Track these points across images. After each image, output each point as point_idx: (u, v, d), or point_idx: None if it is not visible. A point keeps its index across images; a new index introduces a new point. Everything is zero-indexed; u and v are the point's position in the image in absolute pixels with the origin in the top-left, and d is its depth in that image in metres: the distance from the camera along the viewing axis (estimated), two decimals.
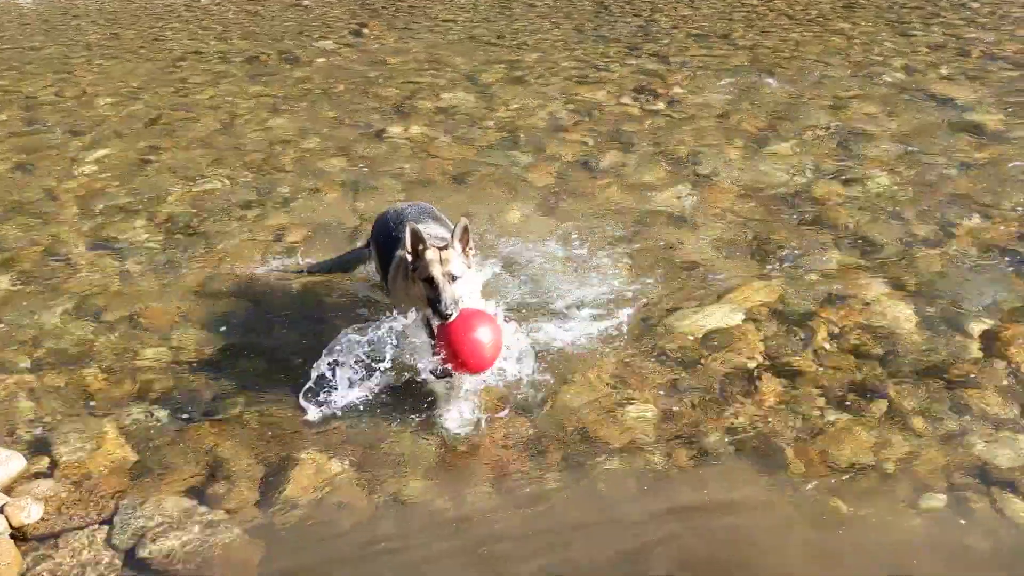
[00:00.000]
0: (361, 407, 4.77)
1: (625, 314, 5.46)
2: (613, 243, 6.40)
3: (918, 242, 6.20)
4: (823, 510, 4.05)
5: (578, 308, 5.53)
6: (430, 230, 5.04)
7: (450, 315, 4.49)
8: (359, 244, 5.87)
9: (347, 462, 4.45)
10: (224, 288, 6.06)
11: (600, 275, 5.96)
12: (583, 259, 6.17)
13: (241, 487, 4.32)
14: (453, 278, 4.57)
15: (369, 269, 5.83)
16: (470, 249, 4.76)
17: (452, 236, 4.70)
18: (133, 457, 4.56)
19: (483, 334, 4.53)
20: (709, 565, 3.85)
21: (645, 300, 5.65)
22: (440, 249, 4.66)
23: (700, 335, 5.31)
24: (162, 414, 4.86)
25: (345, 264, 5.98)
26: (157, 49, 11.82)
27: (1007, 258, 5.95)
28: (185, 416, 4.83)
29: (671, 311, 5.54)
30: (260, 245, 6.58)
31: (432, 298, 4.55)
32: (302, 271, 5.93)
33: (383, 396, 4.84)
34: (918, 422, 4.56)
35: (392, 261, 5.12)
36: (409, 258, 4.70)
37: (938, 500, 4.09)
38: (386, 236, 5.36)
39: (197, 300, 5.94)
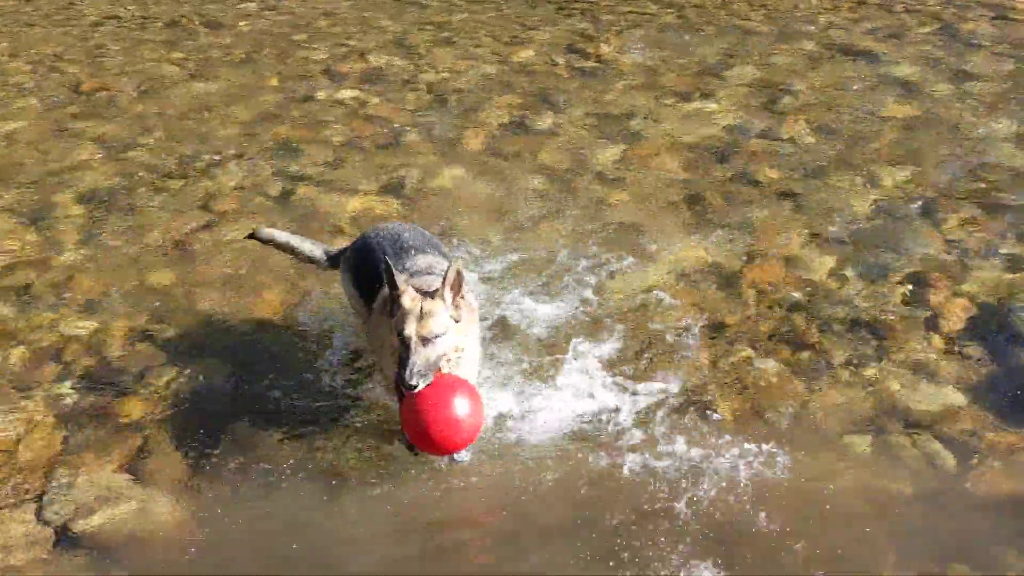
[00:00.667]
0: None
1: (561, 276, 5.51)
2: (546, 203, 6.41)
3: (843, 194, 6.33)
4: (758, 457, 4.18)
5: (515, 273, 5.56)
6: (422, 262, 4.33)
7: (413, 386, 3.74)
8: (332, 248, 5.05)
9: (279, 433, 4.43)
10: (151, 260, 5.93)
11: (535, 237, 5.98)
12: (518, 223, 6.18)
13: (173, 461, 4.28)
14: (428, 340, 3.79)
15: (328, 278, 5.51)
16: (461, 298, 3.97)
17: (443, 282, 3.87)
18: (62, 433, 4.49)
19: (455, 410, 3.80)
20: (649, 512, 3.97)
21: (584, 262, 5.69)
22: (424, 297, 3.87)
23: (636, 295, 5.37)
24: (90, 389, 4.78)
25: (301, 255, 5.12)
26: (73, 15, 11.39)
27: (928, 209, 6.11)
28: (114, 391, 4.74)
29: (608, 272, 5.59)
30: (187, 215, 6.44)
31: (401, 359, 3.79)
32: (252, 235, 5.32)
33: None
34: (843, 371, 4.70)
35: (375, 297, 4.31)
36: (387, 286, 3.97)
37: (863, 443, 4.25)
38: (369, 264, 4.46)
39: (123, 272, 5.79)
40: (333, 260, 4.93)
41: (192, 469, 4.25)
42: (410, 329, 3.78)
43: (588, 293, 5.36)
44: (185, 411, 4.59)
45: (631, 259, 5.70)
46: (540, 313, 5.17)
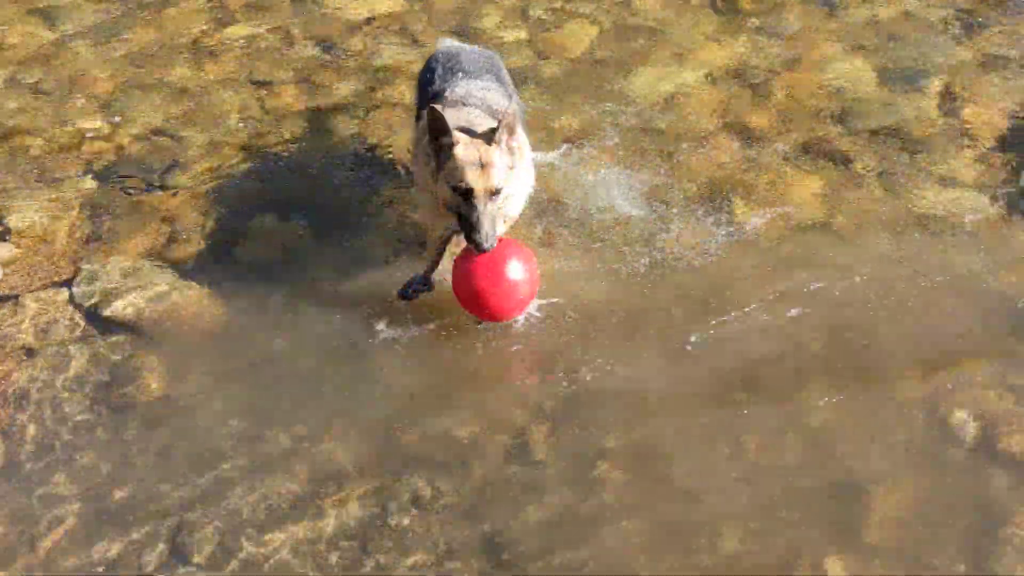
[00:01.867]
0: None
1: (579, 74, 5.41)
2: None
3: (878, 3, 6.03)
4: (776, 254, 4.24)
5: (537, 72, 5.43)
6: (476, 98, 3.86)
7: (487, 247, 3.47)
8: None
9: (304, 223, 4.48)
10: (170, 55, 5.80)
11: (547, 42, 5.79)
12: (542, 20, 5.96)
13: (200, 247, 4.36)
14: (494, 193, 3.50)
15: None
16: (514, 143, 3.62)
17: (499, 126, 3.51)
18: (89, 224, 4.54)
19: (519, 275, 3.63)
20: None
21: (602, 60, 5.54)
22: (479, 142, 3.51)
23: (659, 96, 5.26)
24: (114, 183, 4.80)
25: None
26: None
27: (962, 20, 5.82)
28: (137, 187, 4.77)
29: (628, 71, 5.46)
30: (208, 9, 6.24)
31: (466, 219, 3.49)
32: None
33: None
34: (872, 178, 4.64)
35: (419, 118, 3.95)
36: (431, 146, 3.57)
37: (886, 244, 4.26)
38: (424, 80, 4.19)
39: (141, 68, 5.69)
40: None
41: (219, 256, 4.32)
42: (475, 182, 3.45)
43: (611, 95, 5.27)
44: (211, 205, 4.62)
45: (656, 59, 5.55)
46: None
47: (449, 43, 4.50)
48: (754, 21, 5.84)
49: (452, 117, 3.57)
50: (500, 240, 3.57)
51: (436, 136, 3.50)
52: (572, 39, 5.79)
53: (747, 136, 4.95)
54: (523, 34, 5.82)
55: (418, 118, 4.07)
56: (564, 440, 3.53)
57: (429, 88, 4.08)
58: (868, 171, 4.68)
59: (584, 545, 3.20)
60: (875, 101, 5.15)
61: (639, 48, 5.67)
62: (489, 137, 3.52)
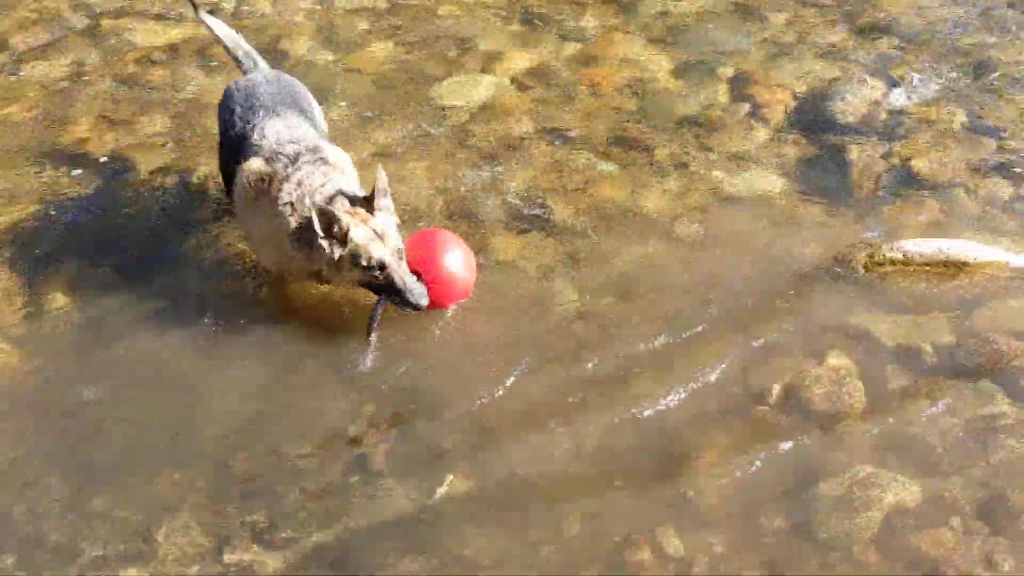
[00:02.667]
0: None
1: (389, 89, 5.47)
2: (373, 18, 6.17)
3: None
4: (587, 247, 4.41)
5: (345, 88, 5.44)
6: (292, 146, 3.90)
7: (424, 304, 3.68)
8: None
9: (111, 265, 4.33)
10: None
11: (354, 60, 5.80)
12: (345, 40, 5.95)
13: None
14: (400, 252, 3.69)
15: None
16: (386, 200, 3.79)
17: (374, 192, 3.69)
18: None
19: (460, 270, 3.89)
20: None
21: (411, 73, 5.60)
22: (364, 214, 3.67)
23: (467, 106, 5.35)
24: None
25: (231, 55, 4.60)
26: None
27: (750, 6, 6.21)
28: None
29: (435, 81, 5.54)
30: None
31: (389, 288, 3.67)
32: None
33: None
34: (671, 166, 4.89)
35: (234, 172, 3.98)
36: (320, 234, 3.61)
37: (690, 228, 4.50)
38: (225, 121, 4.17)
39: None
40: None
41: (24, 312, 4.11)
42: (383, 253, 3.61)
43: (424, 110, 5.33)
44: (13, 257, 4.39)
45: (462, 68, 5.65)
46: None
47: (248, 78, 4.38)
48: (555, 24, 6.03)
49: (293, 191, 3.74)
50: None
51: (327, 230, 3.58)
52: (379, 54, 5.81)
53: (557, 135, 5.11)
54: (330, 55, 5.79)
55: (227, 162, 4.08)
56: (400, 447, 3.55)
57: (231, 131, 4.07)
58: (669, 159, 4.93)
59: (432, 551, 3.23)
60: (673, 92, 5.43)
61: (447, 59, 5.75)
62: (368, 205, 3.68)
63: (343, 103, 5.35)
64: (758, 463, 3.45)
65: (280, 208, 3.75)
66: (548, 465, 3.48)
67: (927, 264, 4.17)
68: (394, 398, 3.72)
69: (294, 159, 3.83)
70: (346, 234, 3.59)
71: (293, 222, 3.73)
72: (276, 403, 3.73)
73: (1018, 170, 4.75)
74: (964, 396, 3.68)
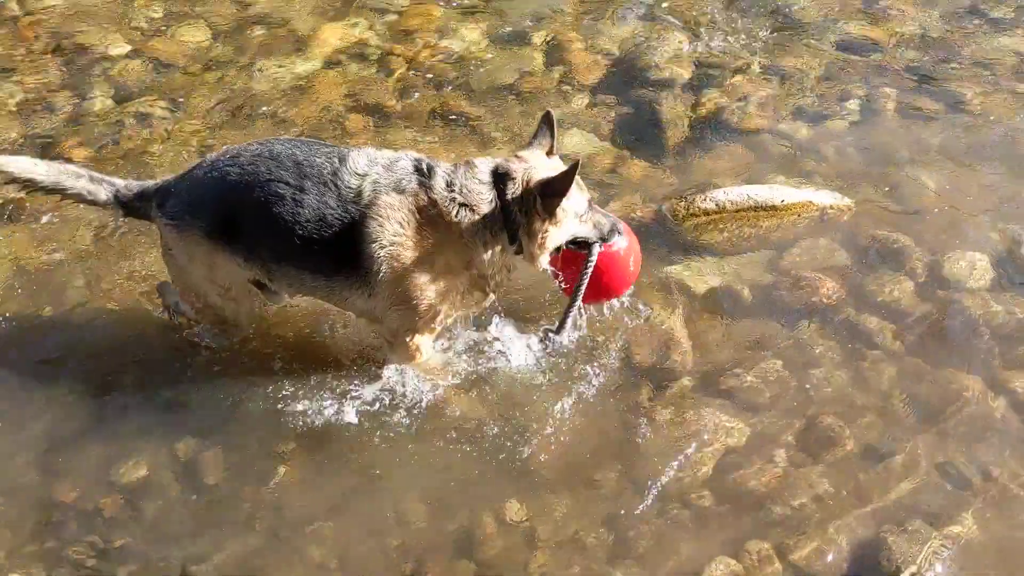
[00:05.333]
0: None
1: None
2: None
3: None
4: None
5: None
6: (364, 160, 3.40)
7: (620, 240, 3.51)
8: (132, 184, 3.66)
9: None
10: None
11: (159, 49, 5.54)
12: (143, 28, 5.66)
13: None
14: None
15: None
16: None
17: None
18: None
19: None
20: None
21: (222, 58, 5.41)
22: None
23: (285, 87, 5.20)
24: None
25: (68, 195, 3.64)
26: None
27: None
28: None
29: (250, 66, 5.35)
30: None
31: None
32: None
33: None
34: (496, 132, 4.90)
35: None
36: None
37: None
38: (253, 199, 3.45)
39: None
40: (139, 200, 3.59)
41: None
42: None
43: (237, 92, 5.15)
44: None
45: (277, 50, 5.49)
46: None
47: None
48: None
49: (452, 195, 3.32)
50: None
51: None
52: (187, 41, 5.55)
53: (377, 113, 5.03)
54: (128, 46, 5.49)
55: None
56: (234, 457, 3.47)
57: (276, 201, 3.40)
58: (492, 127, 4.94)
59: (286, 562, 3.18)
60: (490, 62, 5.43)
61: (258, 42, 5.56)
62: None
63: (150, 94, 5.11)
64: (588, 422, 3.54)
65: (455, 219, 3.30)
66: (391, 458, 3.46)
67: (739, 211, 4.34)
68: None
69: (416, 170, 3.37)
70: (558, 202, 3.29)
71: (474, 216, 3.31)
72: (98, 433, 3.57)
73: (814, 112, 4.99)
74: (781, 334, 3.87)
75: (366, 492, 3.36)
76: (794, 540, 3.19)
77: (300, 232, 3.29)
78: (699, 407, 3.61)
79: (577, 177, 3.30)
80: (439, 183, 3.31)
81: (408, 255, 3.30)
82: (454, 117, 5.02)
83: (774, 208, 4.36)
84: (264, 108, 5.05)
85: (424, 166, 3.36)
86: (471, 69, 5.37)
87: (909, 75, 5.21)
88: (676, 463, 3.41)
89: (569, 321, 3.48)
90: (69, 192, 3.55)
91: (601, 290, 3.52)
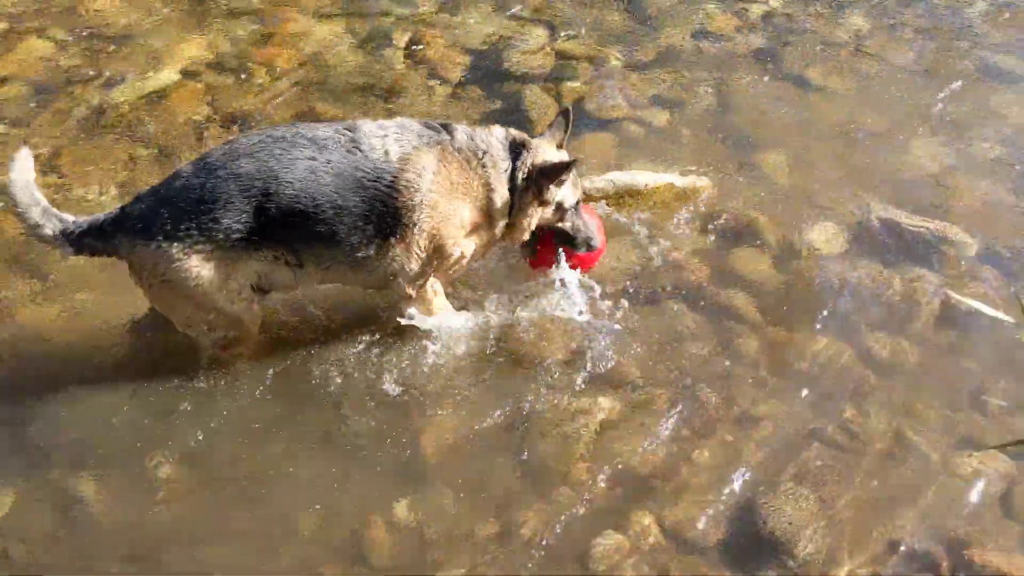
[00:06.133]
0: None
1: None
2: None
3: None
4: None
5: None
6: (378, 129, 3.53)
7: (597, 244, 3.92)
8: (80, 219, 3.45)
9: None
10: None
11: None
12: None
13: None
14: None
15: None
16: None
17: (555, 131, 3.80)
18: None
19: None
20: None
21: (71, 72, 5.20)
22: None
23: (141, 101, 5.05)
24: None
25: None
26: None
27: None
28: None
29: (108, 85, 5.17)
30: None
31: (572, 231, 3.83)
32: None
33: None
34: None
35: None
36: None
37: None
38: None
39: None
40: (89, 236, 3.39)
41: None
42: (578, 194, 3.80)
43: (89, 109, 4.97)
44: None
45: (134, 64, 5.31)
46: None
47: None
48: (221, 6, 5.78)
49: (475, 151, 3.58)
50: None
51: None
52: (28, 57, 5.32)
53: (239, 121, 4.95)
54: None
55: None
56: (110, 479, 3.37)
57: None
58: None
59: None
60: (352, 62, 5.39)
61: (110, 55, 5.37)
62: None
63: None
64: (482, 413, 3.60)
65: (481, 169, 3.56)
66: (275, 470, 3.43)
67: (606, 197, 4.45)
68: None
69: (430, 127, 3.57)
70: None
71: (496, 172, 3.58)
72: None
73: (671, 98, 5.16)
74: (653, 313, 3.99)
75: (249, 507, 3.31)
76: (674, 508, 3.32)
77: (339, 202, 3.35)
78: (576, 389, 3.70)
79: (575, 176, 3.67)
80: (461, 137, 3.54)
81: (444, 202, 3.46)
82: (318, 117, 4.97)
83: (638, 192, 4.49)
84: (120, 122, 4.90)
85: (437, 124, 3.57)
86: (333, 71, 5.33)
87: (758, 59, 5.45)
88: (557, 444, 3.49)
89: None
90: (21, 214, 3.35)
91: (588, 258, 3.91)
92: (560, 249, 3.82)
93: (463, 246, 3.62)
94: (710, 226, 4.37)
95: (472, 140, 3.55)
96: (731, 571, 3.16)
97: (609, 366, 3.77)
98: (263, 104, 5.07)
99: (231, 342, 3.63)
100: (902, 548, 3.18)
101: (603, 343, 3.85)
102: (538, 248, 3.87)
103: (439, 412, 3.59)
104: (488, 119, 4.98)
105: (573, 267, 3.87)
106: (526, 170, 3.59)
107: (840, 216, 4.43)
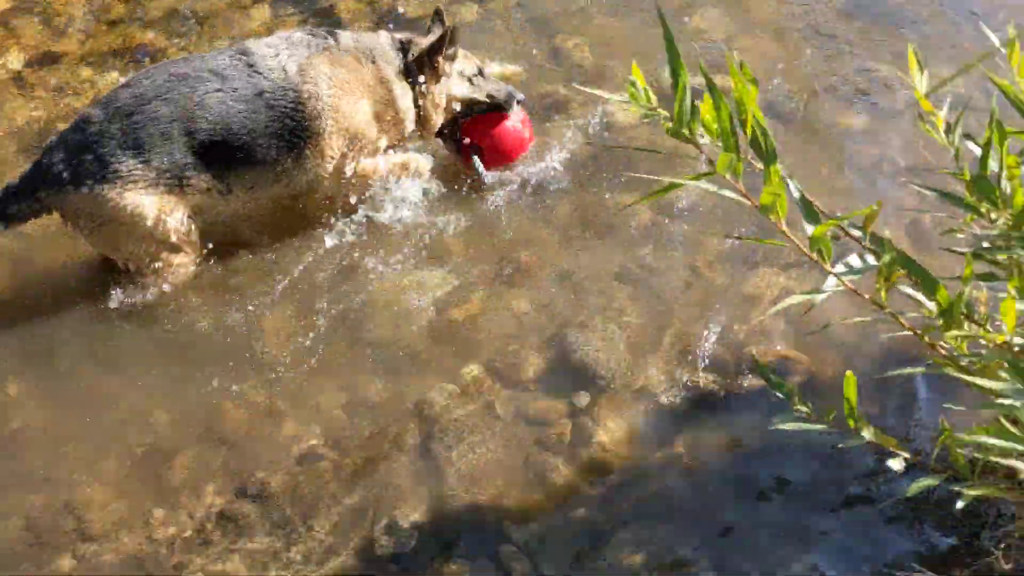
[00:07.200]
0: None
1: None
2: None
3: None
4: None
5: None
6: (269, 45, 3.91)
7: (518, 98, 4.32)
8: None
9: None
10: None
11: None
12: None
13: None
14: None
15: None
16: None
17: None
18: None
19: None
20: None
21: None
22: None
23: None
24: None
25: None
26: None
27: None
28: None
29: None
30: None
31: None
32: None
33: None
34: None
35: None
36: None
37: None
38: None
39: None
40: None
41: None
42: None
43: None
44: None
45: None
46: None
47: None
48: None
49: (365, 51, 4.00)
50: None
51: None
52: None
53: (49, 62, 4.98)
54: None
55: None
56: None
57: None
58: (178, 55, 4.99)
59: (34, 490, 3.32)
60: None
61: None
62: None
63: None
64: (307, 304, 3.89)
65: (371, 66, 3.92)
66: None
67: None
68: None
69: (314, 36, 3.90)
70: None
71: (386, 65, 3.96)
72: None
73: None
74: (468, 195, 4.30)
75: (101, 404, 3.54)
76: (503, 356, 3.69)
77: (251, 126, 3.67)
78: (411, 267, 4.01)
79: (463, 49, 4.11)
80: (346, 41, 3.90)
81: (346, 103, 3.81)
82: (138, 53, 5.04)
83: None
84: None
85: (320, 31, 3.90)
86: None
87: None
88: (393, 317, 3.81)
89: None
90: None
91: (501, 156, 4.24)
92: (475, 156, 4.20)
93: (375, 140, 3.97)
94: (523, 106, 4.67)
95: (358, 41, 3.92)
96: (550, 398, 3.57)
97: (434, 243, 4.09)
98: (78, 43, 5.08)
99: (172, 271, 3.84)
100: (697, 352, 3.63)
101: (433, 226, 4.16)
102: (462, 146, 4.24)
103: (274, 308, 3.85)
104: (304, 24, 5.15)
105: (497, 161, 4.24)
106: (417, 54, 3.98)
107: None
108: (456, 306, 3.88)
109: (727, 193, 1.98)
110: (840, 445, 2.23)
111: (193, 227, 3.80)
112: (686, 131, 1.88)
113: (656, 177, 3.52)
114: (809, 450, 3.28)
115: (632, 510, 3.24)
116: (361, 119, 3.90)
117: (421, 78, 4.00)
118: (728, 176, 1.88)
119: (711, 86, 1.89)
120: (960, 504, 2.09)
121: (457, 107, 4.18)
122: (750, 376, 3.51)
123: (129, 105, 3.57)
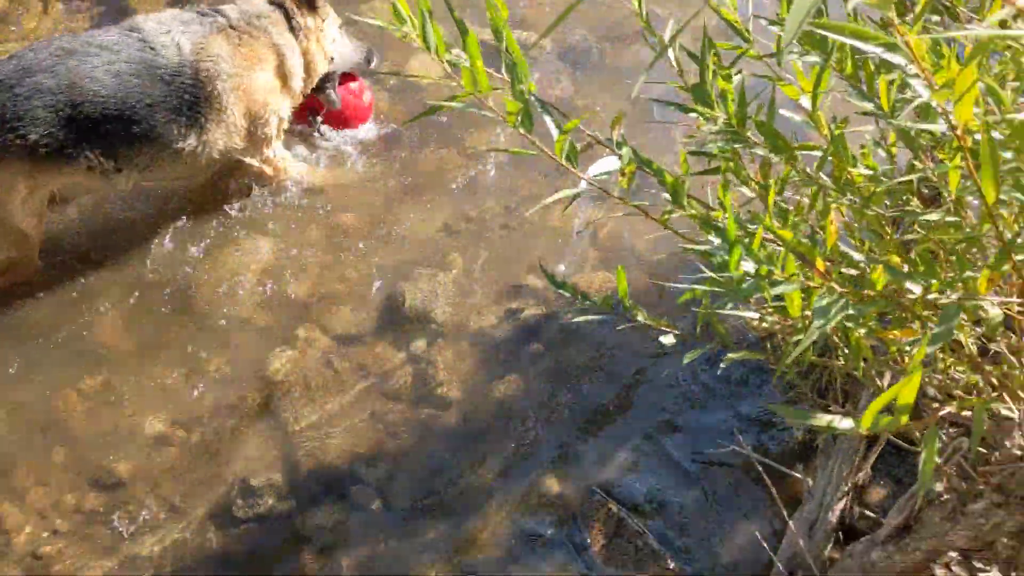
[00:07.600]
0: None
1: None
2: None
3: None
4: None
5: None
6: (159, 23, 3.81)
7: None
8: None
9: None
10: None
11: None
12: None
13: None
14: None
15: None
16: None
17: None
18: None
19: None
20: None
21: None
22: None
23: None
24: None
25: None
26: None
27: None
28: None
29: None
30: None
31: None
32: None
33: None
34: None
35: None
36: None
37: None
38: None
39: None
40: None
41: None
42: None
43: None
44: None
45: None
46: None
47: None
48: None
49: (246, 20, 3.96)
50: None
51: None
52: None
53: None
54: None
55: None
56: None
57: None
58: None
59: None
60: None
61: None
62: None
63: None
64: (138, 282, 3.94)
65: (263, 36, 3.87)
66: None
67: None
68: None
69: (203, 15, 3.82)
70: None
71: (275, 31, 3.91)
72: None
73: None
74: None
75: None
76: (329, 314, 3.86)
77: (148, 100, 3.55)
78: (238, 239, 4.09)
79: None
80: (232, 14, 3.84)
81: (245, 78, 3.78)
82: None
83: None
84: None
85: (207, 10, 3.84)
86: None
87: None
88: (225, 292, 3.91)
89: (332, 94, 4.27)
90: None
91: (346, 119, 4.39)
92: (317, 117, 4.34)
93: (278, 109, 3.97)
94: None
95: (244, 13, 3.87)
96: (388, 348, 3.75)
97: (268, 213, 4.18)
98: None
99: (10, 265, 3.75)
100: (521, 285, 3.90)
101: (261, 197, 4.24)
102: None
103: (107, 301, 3.88)
104: None
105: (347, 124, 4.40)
106: (295, 8, 3.95)
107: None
108: (285, 273, 4.00)
109: (487, 114, 2.19)
110: (620, 328, 2.52)
111: (44, 211, 3.72)
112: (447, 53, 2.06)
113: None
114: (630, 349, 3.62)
115: (472, 436, 3.48)
116: (262, 92, 3.87)
117: (308, 21, 3.99)
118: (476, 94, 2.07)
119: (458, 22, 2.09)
120: (722, 366, 2.40)
121: (335, 56, 4.22)
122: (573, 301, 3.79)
123: (12, 77, 3.40)
